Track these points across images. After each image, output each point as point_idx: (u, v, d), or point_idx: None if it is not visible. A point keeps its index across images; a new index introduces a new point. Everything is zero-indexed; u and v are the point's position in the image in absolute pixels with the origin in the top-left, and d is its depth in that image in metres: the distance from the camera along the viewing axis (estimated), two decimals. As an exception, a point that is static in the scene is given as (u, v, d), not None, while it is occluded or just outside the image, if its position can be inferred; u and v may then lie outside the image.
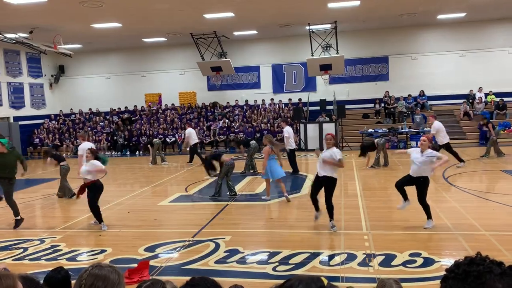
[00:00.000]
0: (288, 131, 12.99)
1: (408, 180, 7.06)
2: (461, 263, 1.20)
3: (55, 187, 12.35)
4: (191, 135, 15.93)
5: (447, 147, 12.57)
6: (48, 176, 12.08)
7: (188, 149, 16.41)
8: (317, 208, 7.36)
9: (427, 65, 20.86)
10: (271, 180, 9.70)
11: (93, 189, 7.91)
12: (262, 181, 11.95)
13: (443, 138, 12.54)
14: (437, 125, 12.61)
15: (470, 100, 20.14)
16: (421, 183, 6.89)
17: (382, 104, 20.80)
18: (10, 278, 1.49)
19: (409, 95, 20.64)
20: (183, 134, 19.20)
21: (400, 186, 7.19)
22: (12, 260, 6.54)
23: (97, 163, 7.86)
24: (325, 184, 7.05)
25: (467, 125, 19.19)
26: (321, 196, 7.24)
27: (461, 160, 12.58)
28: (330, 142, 7.04)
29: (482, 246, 6.11)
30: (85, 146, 10.34)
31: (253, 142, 13.77)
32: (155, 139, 17.45)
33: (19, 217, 8.30)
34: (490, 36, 20.16)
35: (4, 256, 6.75)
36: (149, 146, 17.03)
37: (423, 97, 20.65)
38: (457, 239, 6.57)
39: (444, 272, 1.26)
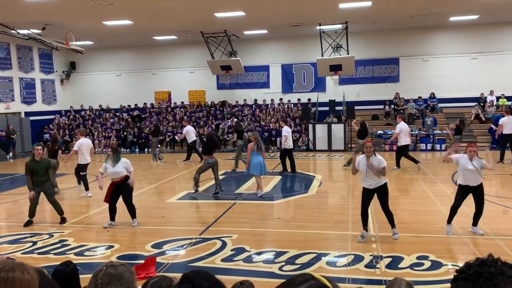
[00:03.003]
0: (287, 130, 13.22)
1: (465, 194, 6.75)
2: (472, 264, 1.18)
3: (65, 182, 12.49)
4: (189, 133, 16.22)
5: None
6: (57, 172, 12.20)
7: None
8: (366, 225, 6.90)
9: (438, 67, 20.68)
10: (255, 174, 10.10)
11: (125, 186, 7.85)
12: (269, 180, 12.00)
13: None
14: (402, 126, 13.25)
15: (481, 104, 19.95)
16: (480, 190, 6.70)
17: (392, 106, 20.68)
18: (28, 269, 1.51)
19: (420, 97, 20.49)
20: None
21: (458, 207, 6.82)
22: (22, 253, 6.62)
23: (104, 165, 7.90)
24: (379, 192, 6.73)
25: (477, 128, 19.01)
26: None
27: (417, 161, 12.95)
28: (371, 150, 6.68)
29: (490, 251, 5.99)
30: (82, 142, 10.48)
31: (240, 141, 13.99)
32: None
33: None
34: (503, 39, 19.93)
35: (14, 249, 6.84)
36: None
37: (434, 100, 20.49)
38: (466, 243, 6.52)
39: (455, 273, 1.24)
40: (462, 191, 6.79)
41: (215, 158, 10.23)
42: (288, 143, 13.09)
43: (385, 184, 6.72)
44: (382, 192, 6.72)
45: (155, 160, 16.68)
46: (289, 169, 13.27)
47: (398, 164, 13.21)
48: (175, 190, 11.32)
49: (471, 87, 20.19)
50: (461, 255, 6.09)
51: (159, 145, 17.22)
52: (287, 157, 13.31)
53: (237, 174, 13.18)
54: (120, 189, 7.83)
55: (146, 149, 20.70)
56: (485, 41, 20.04)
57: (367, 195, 6.78)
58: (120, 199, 7.94)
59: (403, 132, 13.07)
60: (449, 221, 6.87)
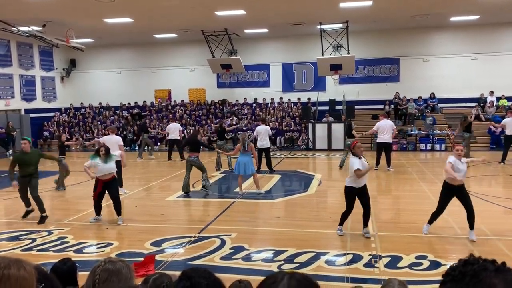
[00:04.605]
0: (257, 130, 13.45)
1: (450, 195, 6.75)
2: (456, 266, 1.24)
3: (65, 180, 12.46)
4: (172, 130, 16.72)
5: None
6: (57, 169, 12.22)
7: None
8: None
9: (438, 67, 20.68)
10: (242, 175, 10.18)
11: (112, 183, 7.99)
12: (269, 179, 12.02)
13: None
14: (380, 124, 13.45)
15: (481, 104, 19.95)
16: (465, 191, 6.68)
17: (392, 106, 20.68)
18: (25, 266, 1.50)
19: (420, 97, 20.49)
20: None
21: (443, 209, 6.85)
22: (21, 250, 6.63)
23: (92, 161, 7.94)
24: (364, 191, 6.89)
25: (477, 128, 18.99)
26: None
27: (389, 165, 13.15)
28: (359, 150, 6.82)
29: (489, 251, 6.07)
30: (106, 138, 10.57)
31: (220, 141, 14.10)
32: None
33: (44, 214, 8.29)
34: (503, 39, 19.92)
35: (13, 246, 6.84)
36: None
37: (434, 100, 20.49)
38: (464, 243, 6.53)
39: (441, 277, 1.27)
40: (448, 191, 6.75)
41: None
42: (262, 143, 13.22)
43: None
44: (365, 190, 6.85)
45: (140, 157, 17.08)
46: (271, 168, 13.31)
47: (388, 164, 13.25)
48: (175, 188, 11.30)
49: (471, 87, 20.19)
50: (459, 254, 6.08)
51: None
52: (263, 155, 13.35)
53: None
54: (107, 187, 7.94)
55: (146, 147, 20.67)
56: (486, 42, 20.03)
57: (354, 195, 6.88)
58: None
59: (380, 129, 13.27)
60: (430, 222, 6.91)
